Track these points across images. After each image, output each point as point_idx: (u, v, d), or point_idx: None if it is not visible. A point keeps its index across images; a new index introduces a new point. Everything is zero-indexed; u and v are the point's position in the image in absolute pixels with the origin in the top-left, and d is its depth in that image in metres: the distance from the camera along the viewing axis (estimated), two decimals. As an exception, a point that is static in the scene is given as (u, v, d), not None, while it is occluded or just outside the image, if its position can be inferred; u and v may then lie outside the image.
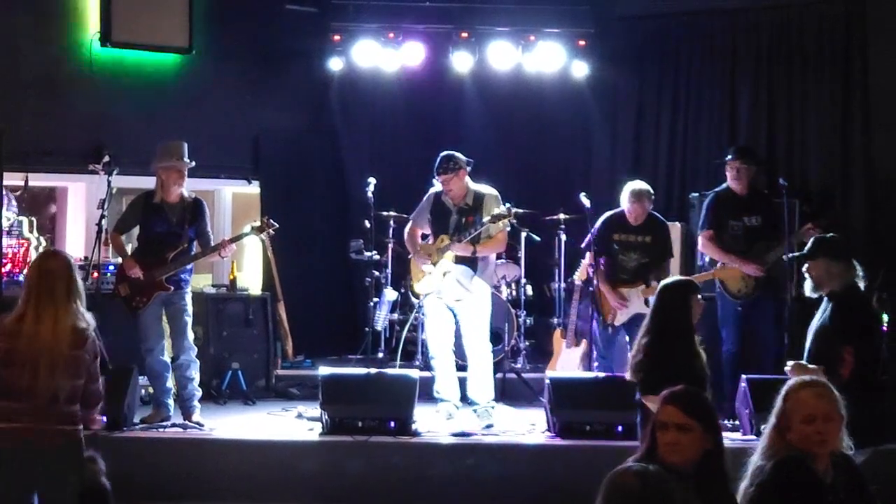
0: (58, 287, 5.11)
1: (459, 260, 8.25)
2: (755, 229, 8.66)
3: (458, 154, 8.32)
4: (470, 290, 8.28)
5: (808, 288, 6.86)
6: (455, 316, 8.43)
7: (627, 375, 6.49)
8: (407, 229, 8.71)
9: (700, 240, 8.93)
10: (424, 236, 8.61)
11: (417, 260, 8.51)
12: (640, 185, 8.62)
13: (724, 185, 8.91)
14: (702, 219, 8.92)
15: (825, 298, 6.79)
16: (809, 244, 6.97)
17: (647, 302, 8.39)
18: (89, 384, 5.18)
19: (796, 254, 7.29)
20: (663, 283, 6.77)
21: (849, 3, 10.21)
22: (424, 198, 8.57)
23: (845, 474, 4.35)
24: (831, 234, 7.43)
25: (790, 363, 6.61)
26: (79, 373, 5.10)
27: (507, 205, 8.21)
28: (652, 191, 8.69)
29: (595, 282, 8.57)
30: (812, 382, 4.46)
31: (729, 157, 8.88)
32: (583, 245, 8.90)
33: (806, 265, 6.82)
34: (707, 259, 9.07)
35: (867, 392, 6.39)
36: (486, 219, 8.11)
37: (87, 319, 5.18)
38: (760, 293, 8.61)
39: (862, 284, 6.80)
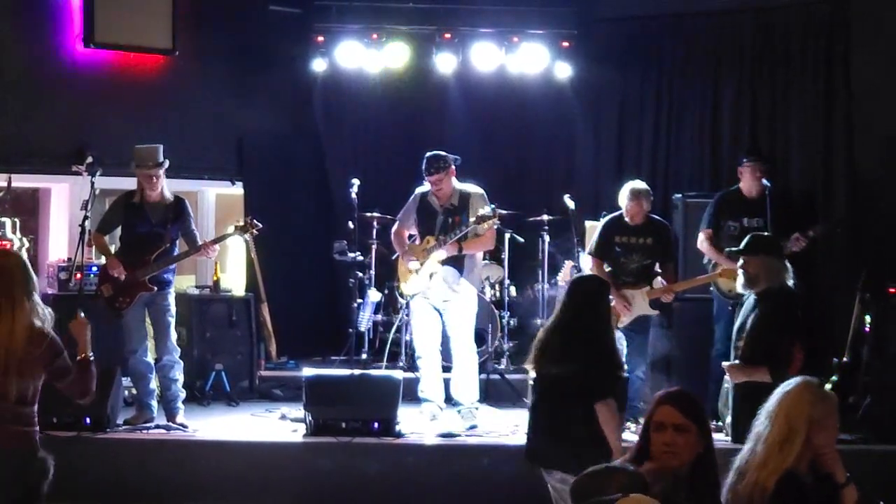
0: (13, 285, 5.04)
1: (446, 261, 8.26)
2: (754, 231, 8.30)
3: (443, 153, 8.34)
4: (457, 290, 8.30)
5: (739, 284, 6.73)
6: (441, 316, 8.44)
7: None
8: (394, 229, 8.71)
9: (699, 237, 8.92)
10: (411, 237, 8.62)
11: (404, 260, 8.52)
12: (638, 184, 8.59)
13: (734, 186, 8.93)
14: (703, 218, 8.94)
15: (753, 297, 6.68)
16: (746, 240, 6.82)
17: (651, 304, 8.41)
18: (63, 377, 5.10)
19: (733, 248, 7.08)
20: (577, 276, 6.71)
21: (832, 5, 10.25)
22: (410, 198, 8.57)
23: None
24: (767, 234, 7.43)
25: (725, 364, 6.55)
26: (34, 373, 5.01)
27: (492, 206, 8.22)
28: (651, 191, 8.66)
29: None
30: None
31: (743, 158, 8.89)
32: (586, 250, 8.91)
33: (742, 261, 6.68)
34: (708, 258, 9.04)
35: None
36: (471, 220, 8.13)
37: (45, 316, 5.10)
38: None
39: (791, 283, 6.67)
